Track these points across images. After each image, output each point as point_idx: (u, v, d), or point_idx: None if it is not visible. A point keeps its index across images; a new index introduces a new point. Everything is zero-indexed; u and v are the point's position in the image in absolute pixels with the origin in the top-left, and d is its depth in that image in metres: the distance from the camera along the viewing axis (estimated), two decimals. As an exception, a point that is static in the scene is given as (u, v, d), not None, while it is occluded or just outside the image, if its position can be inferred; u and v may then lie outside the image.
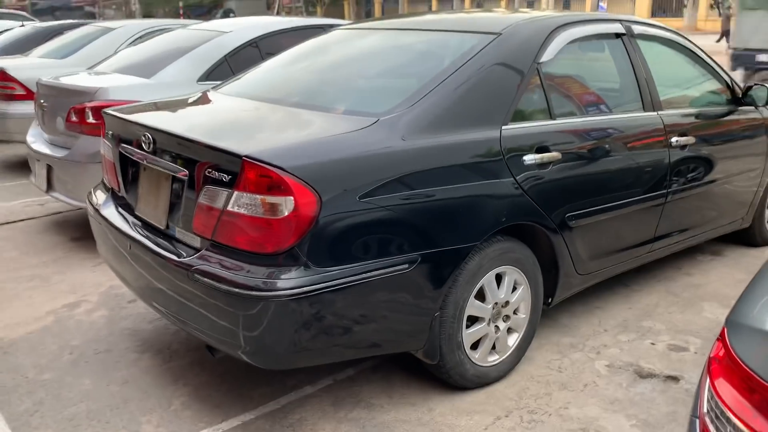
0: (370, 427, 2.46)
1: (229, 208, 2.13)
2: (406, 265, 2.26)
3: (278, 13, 50.98)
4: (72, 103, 4.11)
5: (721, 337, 1.26)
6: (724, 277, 3.81)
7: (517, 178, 2.55)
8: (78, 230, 4.73)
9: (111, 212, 2.80)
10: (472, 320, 2.58)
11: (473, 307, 2.55)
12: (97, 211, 2.88)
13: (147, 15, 48.11)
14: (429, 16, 3.40)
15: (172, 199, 2.45)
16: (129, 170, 2.76)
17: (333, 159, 2.15)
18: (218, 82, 4.27)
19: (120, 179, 2.79)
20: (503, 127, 2.55)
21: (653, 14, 37.74)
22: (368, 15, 52.89)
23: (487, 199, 2.47)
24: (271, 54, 4.62)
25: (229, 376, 2.80)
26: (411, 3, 50.12)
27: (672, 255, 3.76)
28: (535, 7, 41.59)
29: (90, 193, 3.09)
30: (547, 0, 27.35)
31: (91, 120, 4.02)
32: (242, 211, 2.10)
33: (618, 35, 3.20)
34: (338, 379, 2.77)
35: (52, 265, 4.09)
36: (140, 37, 6.39)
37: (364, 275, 2.17)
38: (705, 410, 1.23)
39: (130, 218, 2.70)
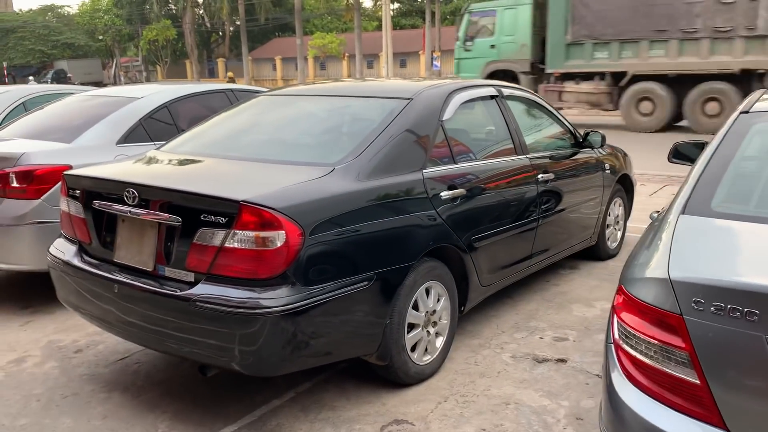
0: (340, 423, 2.96)
1: (227, 245, 2.59)
2: (366, 282, 2.84)
3: (116, 73, 49.46)
4: (-9, 169, 4.23)
5: (618, 290, 1.98)
6: (583, 285, 4.76)
7: (438, 210, 3.24)
8: (-11, 295, 4.73)
9: (84, 262, 3.09)
10: (411, 327, 3.19)
11: (411, 316, 3.16)
12: (66, 263, 3.14)
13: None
14: (347, 84, 4.10)
15: (159, 244, 2.84)
16: (102, 223, 3.08)
17: (309, 199, 2.71)
18: (140, 144, 4.62)
19: (92, 232, 3.10)
20: (424, 171, 3.24)
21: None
22: (211, 73, 52.88)
23: (419, 226, 3.13)
24: (180, 116, 5.05)
25: (202, 400, 3.15)
26: (255, 63, 50.97)
27: (541, 271, 4.63)
28: (374, 67, 44.20)
29: (52, 249, 3.32)
30: (386, 60, 29.35)
31: (14, 184, 4.17)
32: (240, 246, 2.57)
33: (493, 97, 4.06)
34: (299, 392, 3.23)
35: (-23, 329, 4.12)
36: (22, 103, 6.44)
37: (338, 291, 2.72)
38: (616, 336, 1.93)
39: (107, 265, 3.02)
